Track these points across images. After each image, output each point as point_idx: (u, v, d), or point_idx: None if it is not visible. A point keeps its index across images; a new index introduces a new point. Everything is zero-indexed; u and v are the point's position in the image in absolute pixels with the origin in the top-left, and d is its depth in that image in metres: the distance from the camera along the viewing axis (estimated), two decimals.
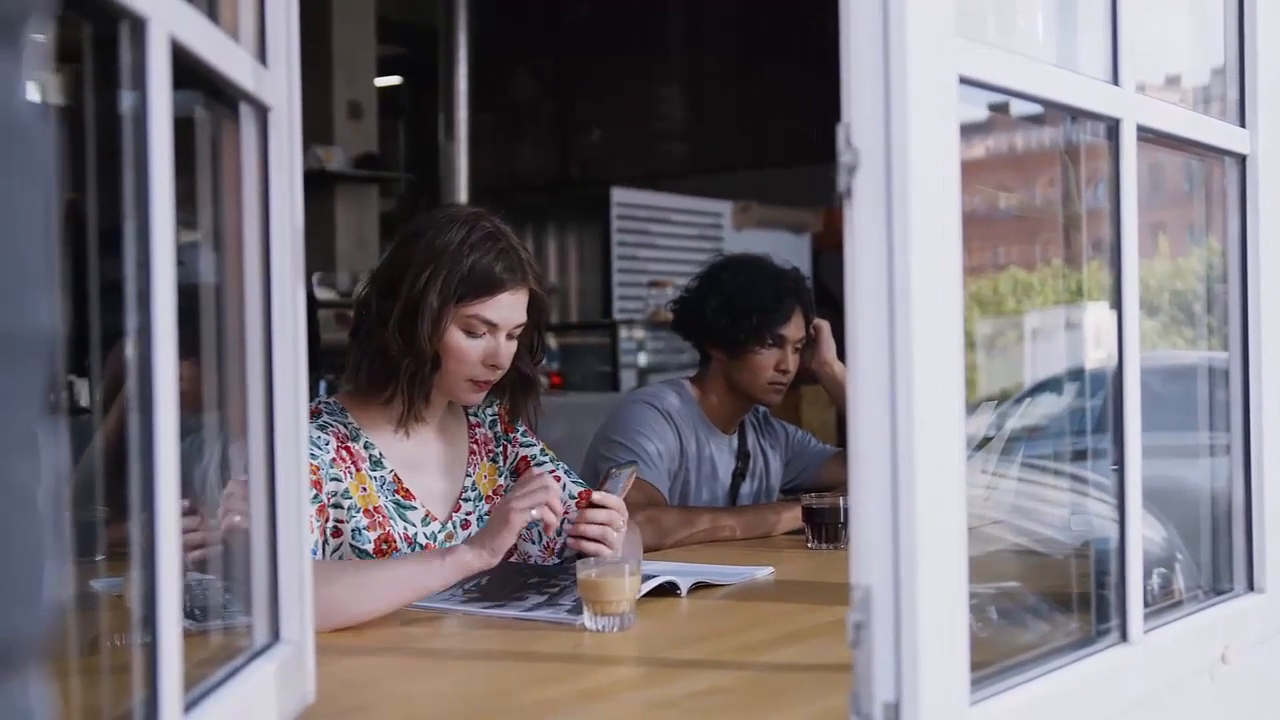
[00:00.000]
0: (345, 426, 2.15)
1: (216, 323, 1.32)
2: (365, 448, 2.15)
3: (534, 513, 1.93)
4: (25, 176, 0.48)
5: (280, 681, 1.28)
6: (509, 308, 2.14)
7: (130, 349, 0.99)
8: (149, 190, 0.97)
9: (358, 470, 2.11)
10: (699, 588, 2.09)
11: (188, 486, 1.04)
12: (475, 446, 2.31)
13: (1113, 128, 1.46)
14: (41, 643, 0.51)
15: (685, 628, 1.92)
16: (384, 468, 2.15)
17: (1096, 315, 1.80)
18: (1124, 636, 1.46)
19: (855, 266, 1.14)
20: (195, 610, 1.31)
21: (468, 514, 2.25)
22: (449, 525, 2.21)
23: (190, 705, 1.06)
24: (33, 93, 0.51)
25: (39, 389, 0.50)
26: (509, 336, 2.16)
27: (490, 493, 2.29)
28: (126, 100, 0.98)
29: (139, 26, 0.96)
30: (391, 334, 2.10)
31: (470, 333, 2.12)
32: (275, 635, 1.33)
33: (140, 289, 0.97)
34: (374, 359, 2.14)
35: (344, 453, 2.10)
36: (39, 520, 0.49)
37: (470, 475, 2.27)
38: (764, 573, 2.27)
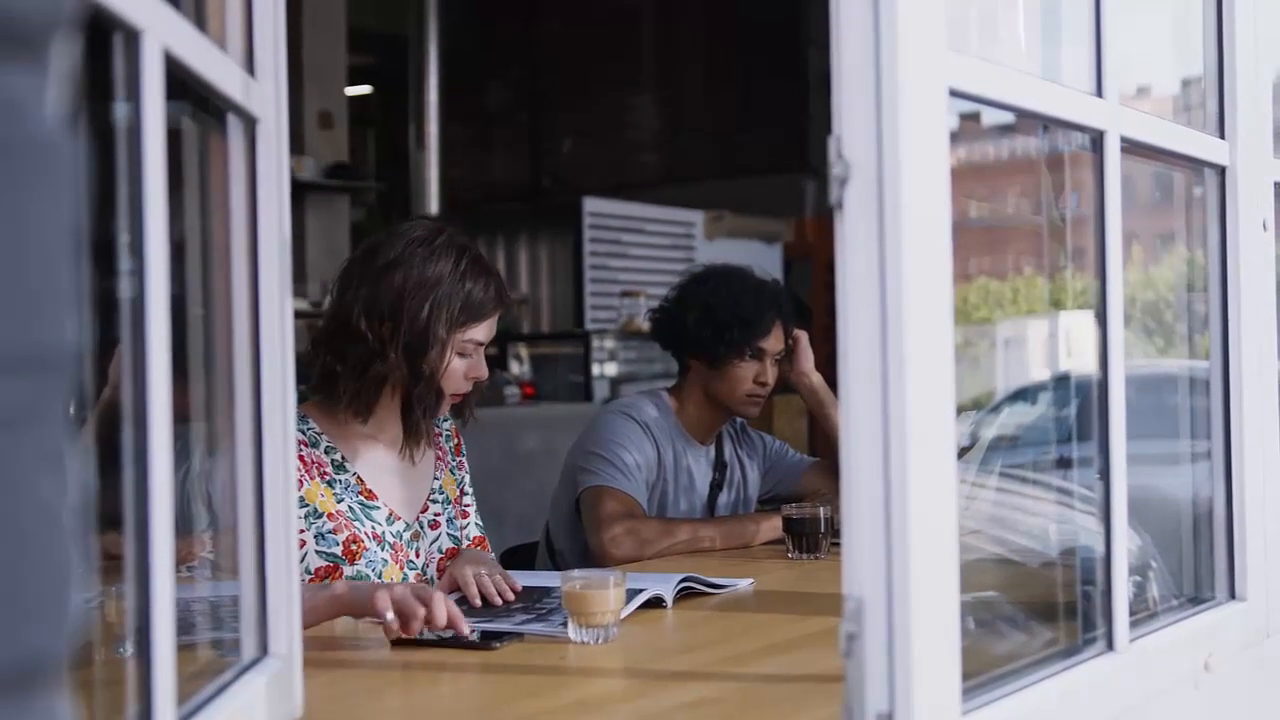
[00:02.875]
0: (304, 433, 2.18)
1: (203, 334, 1.31)
2: (327, 453, 2.20)
3: (389, 616, 1.76)
4: (53, 193, 0.48)
5: (269, 696, 1.28)
6: (493, 326, 2.25)
7: (121, 360, 0.98)
8: (143, 200, 0.97)
9: (312, 478, 2.15)
10: (685, 596, 2.10)
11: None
12: (440, 453, 2.38)
13: (1097, 139, 1.47)
14: (67, 659, 0.50)
15: (670, 639, 1.92)
16: (347, 471, 2.20)
17: (1070, 324, 1.82)
18: (1110, 645, 1.46)
19: (847, 278, 1.14)
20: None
21: (436, 514, 2.32)
22: (415, 525, 2.27)
23: None
24: (57, 109, 0.51)
25: (64, 405, 0.50)
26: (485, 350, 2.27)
27: (454, 499, 2.37)
28: (119, 111, 0.98)
29: (133, 38, 0.96)
30: (396, 365, 2.15)
31: (462, 354, 2.21)
32: (264, 649, 1.32)
33: (134, 299, 0.96)
34: (374, 388, 2.18)
35: (298, 461, 2.13)
36: (65, 537, 0.49)
37: (438, 478, 2.34)
38: (745, 584, 2.27)
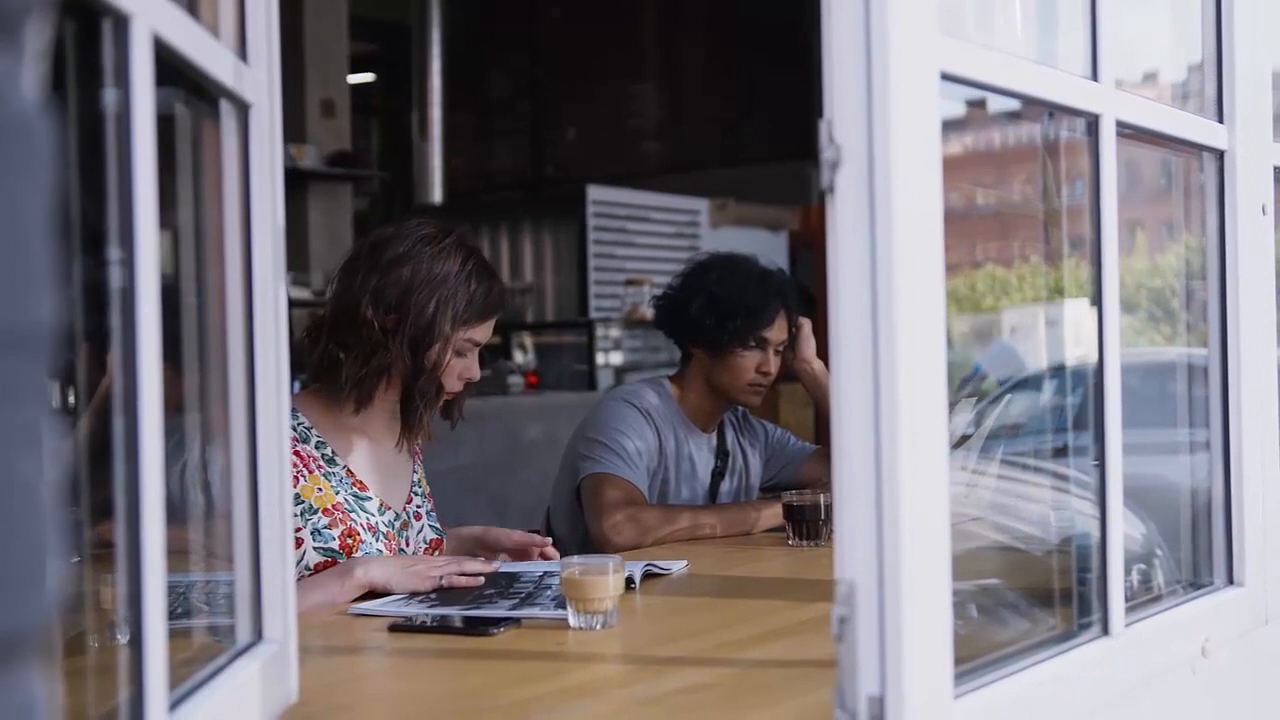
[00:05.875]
0: (294, 429, 2.19)
1: (196, 323, 1.31)
2: (317, 447, 2.22)
3: (443, 581, 2.06)
4: (28, 173, 0.48)
5: (264, 680, 1.28)
6: (490, 329, 2.29)
7: (112, 350, 0.98)
8: (132, 188, 0.97)
9: (310, 471, 2.15)
10: (648, 578, 2.15)
11: (166, 488, 1.03)
12: (417, 448, 2.41)
13: (1092, 123, 1.47)
14: (44, 636, 0.51)
15: (667, 625, 1.92)
16: (338, 464, 2.22)
17: (1074, 312, 1.81)
18: (1105, 630, 1.46)
19: (838, 262, 1.14)
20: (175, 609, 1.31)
21: (418, 507, 2.36)
22: (404, 515, 2.31)
23: (174, 704, 1.06)
24: (32, 90, 0.51)
25: (42, 383, 0.51)
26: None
27: (427, 493, 2.41)
28: (108, 98, 0.98)
29: (122, 23, 0.96)
30: (398, 358, 2.18)
31: (460, 353, 2.24)
32: (258, 634, 1.32)
33: (124, 288, 0.96)
34: (375, 377, 2.20)
35: (294, 457, 2.14)
36: (43, 514, 0.50)
37: (417, 472, 2.39)
38: (680, 565, 2.30)
